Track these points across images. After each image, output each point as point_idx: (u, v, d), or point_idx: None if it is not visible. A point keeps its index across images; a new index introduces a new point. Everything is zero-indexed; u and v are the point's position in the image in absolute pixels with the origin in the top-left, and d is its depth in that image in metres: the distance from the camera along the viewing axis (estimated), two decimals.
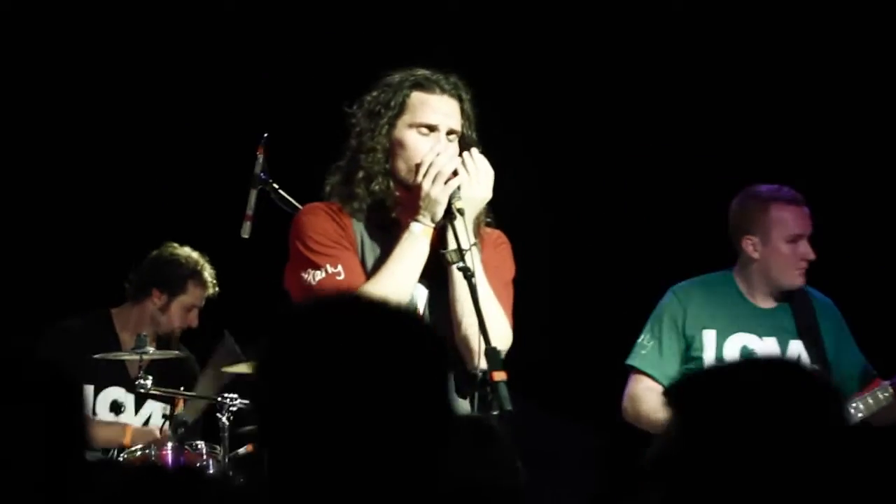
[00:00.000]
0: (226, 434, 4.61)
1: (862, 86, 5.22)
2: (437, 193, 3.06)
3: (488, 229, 3.28)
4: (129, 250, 5.14)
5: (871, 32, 5.20)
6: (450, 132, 3.16)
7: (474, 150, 3.15)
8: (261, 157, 3.99)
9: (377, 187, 3.16)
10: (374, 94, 3.22)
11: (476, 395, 3.12)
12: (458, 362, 3.09)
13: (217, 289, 5.00)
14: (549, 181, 5.36)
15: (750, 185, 3.97)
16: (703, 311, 3.89)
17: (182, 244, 4.99)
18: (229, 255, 4.87)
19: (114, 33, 5.50)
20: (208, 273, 4.95)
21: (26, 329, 5.00)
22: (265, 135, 4.07)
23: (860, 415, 3.77)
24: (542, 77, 5.44)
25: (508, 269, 3.31)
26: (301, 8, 5.49)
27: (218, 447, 4.63)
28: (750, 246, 3.87)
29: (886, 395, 3.80)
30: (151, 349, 4.67)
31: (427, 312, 3.19)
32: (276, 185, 3.93)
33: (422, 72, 3.23)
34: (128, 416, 4.89)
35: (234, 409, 4.64)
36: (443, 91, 3.19)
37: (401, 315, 1.70)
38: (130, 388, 4.79)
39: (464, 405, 3.15)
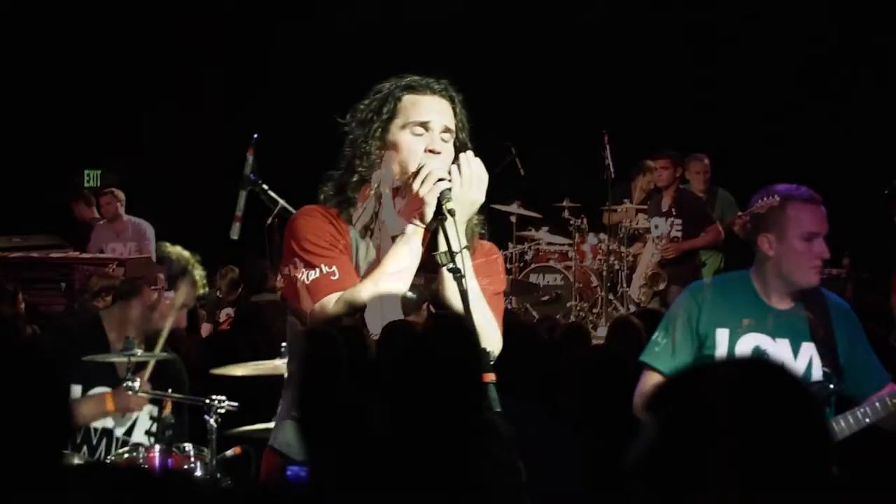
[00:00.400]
0: (213, 436, 4.60)
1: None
2: (425, 193, 3.05)
3: (482, 241, 3.27)
4: None
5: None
6: (444, 130, 3.16)
7: (469, 153, 3.14)
8: (250, 158, 3.97)
9: (371, 191, 3.15)
10: (366, 102, 3.23)
11: None
12: None
13: (207, 289, 4.99)
14: None
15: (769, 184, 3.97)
16: (717, 309, 3.89)
17: (174, 244, 4.99)
18: (221, 255, 4.86)
19: (113, 33, 5.50)
20: (199, 273, 4.95)
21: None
22: (255, 136, 4.05)
23: (868, 419, 3.76)
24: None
25: (500, 281, 3.30)
26: (301, 7, 5.49)
27: (205, 449, 4.62)
28: (766, 243, 3.88)
29: (895, 400, 3.79)
30: (139, 351, 4.70)
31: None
32: (265, 186, 3.91)
33: (412, 77, 3.22)
34: (115, 418, 4.87)
35: (222, 411, 4.64)
36: (434, 92, 3.20)
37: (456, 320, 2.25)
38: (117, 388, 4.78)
39: None
